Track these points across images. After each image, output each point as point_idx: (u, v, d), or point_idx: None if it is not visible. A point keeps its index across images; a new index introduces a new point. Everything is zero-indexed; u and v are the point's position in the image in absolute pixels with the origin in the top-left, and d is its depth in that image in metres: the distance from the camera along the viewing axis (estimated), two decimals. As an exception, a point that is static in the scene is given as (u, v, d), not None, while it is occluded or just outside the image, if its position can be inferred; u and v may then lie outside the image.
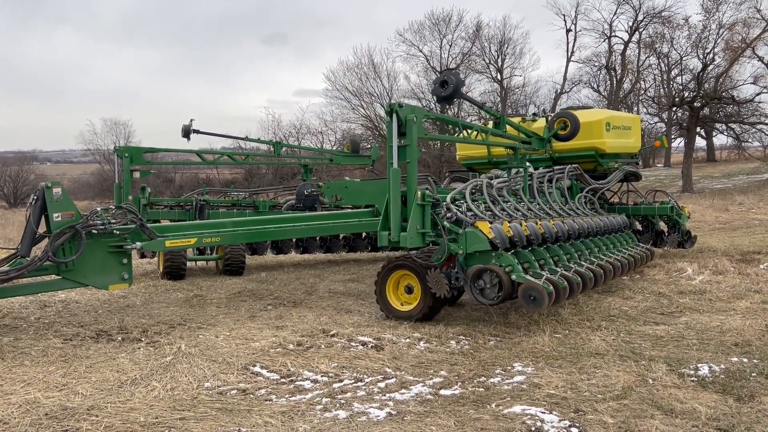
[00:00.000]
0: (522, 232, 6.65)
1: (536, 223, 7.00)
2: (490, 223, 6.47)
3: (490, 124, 8.87)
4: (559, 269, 6.69)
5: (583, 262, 7.38)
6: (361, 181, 10.73)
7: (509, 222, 6.68)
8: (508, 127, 8.78)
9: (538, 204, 8.01)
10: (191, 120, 12.72)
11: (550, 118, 9.84)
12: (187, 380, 4.92)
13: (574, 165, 9.50)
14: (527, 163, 9.02)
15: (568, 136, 9.31)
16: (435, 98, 7.65)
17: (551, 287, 6.10)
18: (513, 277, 6.21)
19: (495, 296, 6.22)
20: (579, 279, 6.69)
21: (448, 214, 6.54)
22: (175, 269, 10.41)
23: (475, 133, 8.64)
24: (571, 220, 7.78)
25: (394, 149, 6.61)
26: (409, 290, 7.04)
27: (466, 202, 6.77)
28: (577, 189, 9.59)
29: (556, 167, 9.33)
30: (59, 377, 5.02)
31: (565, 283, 6.40)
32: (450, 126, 8.47)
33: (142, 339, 6.28)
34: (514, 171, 9.02)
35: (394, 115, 6.57)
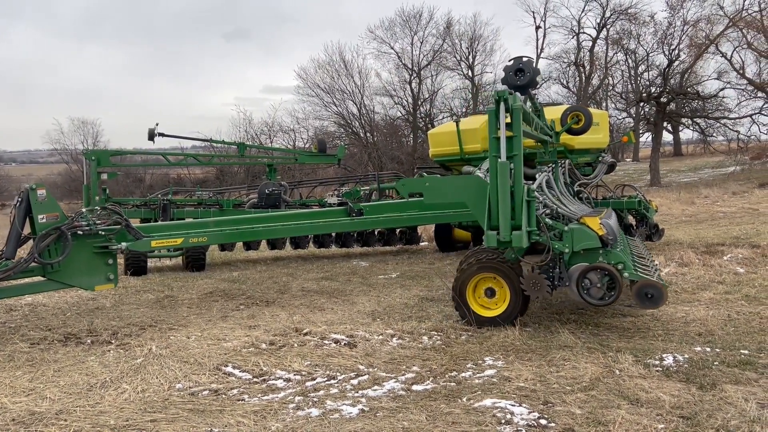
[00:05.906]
0: (614, 228, 6.36)
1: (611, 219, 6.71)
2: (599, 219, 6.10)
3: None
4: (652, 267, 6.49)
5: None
6: (443, 177, 10.42)
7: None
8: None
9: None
10: (156, 124, 14.25)
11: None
12: (158, 382, 4.89)
13: (568, 160, 9.47)
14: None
15: (581, 129, 9.25)
16: (507, 87, 7.00)
17: (668, 284, 5.90)
18: (625, 274, 5.90)
19: (604, 295, 5.94)
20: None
21: (546, 210, 6.18)
22: (135, 264, 10.63)
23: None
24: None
25: (501, 141, 5.95)
26: (491, 293, 6.52)
27: (547, 197, 6.35)
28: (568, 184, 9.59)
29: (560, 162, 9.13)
30: (26, 382, 4.94)
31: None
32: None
33: (112, 341, 6.21)
34: (484, 166, 9.02)
35: (502, 104, 5.95)
